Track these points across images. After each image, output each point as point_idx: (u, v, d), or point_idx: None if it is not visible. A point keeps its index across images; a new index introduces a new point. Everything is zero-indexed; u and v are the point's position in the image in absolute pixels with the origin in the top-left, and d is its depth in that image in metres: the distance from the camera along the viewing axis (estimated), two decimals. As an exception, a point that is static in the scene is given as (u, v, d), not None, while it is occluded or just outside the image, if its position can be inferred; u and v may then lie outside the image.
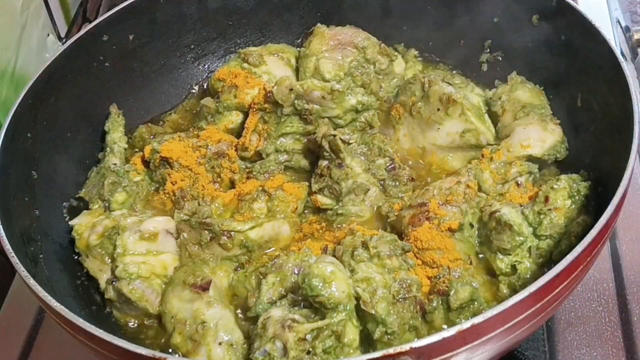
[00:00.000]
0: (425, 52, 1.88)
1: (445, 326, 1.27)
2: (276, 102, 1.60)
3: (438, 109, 1.58)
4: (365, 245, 1.32)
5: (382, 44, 1.77)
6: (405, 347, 0.97)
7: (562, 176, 1.41)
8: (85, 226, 1.48)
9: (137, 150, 1.74)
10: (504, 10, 1.69)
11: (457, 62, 1.84)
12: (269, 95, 1.61)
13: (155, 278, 1.41)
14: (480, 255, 1.42)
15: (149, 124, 1.83)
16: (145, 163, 1.65)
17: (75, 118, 1.65)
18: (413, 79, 1.66)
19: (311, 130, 1.61)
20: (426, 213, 1.41)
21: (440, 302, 1.28)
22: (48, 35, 2.17)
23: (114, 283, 1.40)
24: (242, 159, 1.66)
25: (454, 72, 1.83)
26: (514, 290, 1.34)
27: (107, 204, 1.55)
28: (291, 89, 1.59)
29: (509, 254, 1.37)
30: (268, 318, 1.21)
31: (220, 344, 1.26)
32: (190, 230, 1.46)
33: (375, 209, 1.52)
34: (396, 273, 1.28)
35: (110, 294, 1.41)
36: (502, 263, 1.37)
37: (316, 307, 1.18)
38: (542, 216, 1.37)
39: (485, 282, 1.38)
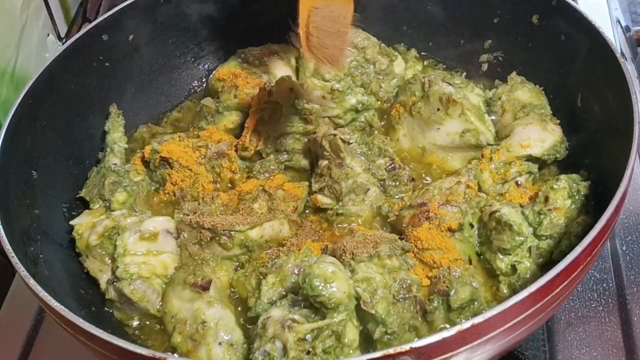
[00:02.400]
0: (425, 52, 1.88)
1: (446, 326, 1.27)
2: (276, 101, 1.60)
3: (438, 109, 1.58)
4: (365, 245, 1.32)
5: (382, 44, 1.77)
6: (405, 347, 0.97)
7: (562, 176, 1.41)
8: (86, 226, 1.48)
9: (137, 146, 1.74)
10: (504, 10, 1.69)
11: (457, 62, 1.84)
12: (269, 95, 1.61)
13: (155, 278, 1.41)
14: (480, 255, 1.42)
15: (149, 124, 1.83)
16: (146, 163, 1.65)
17: (75, 118, 1.65)
18: (413, 79, 1.66)
19: (311, 130, 1.61)
20: (426, 213, 1.41)
21: (440, 302, 1.28)
22: (48, 35, 2.16)
23: (114, 283, 1.40)
24: (242, 158, 1.66)
25: (454, 72, 1.83)
26: (514, 290, 1.34)
27: (107, 204, 1.55)
28: (291, 89, 1.59)
29: (509, 254, 1.37)
30: (268, 318, 1.21)
31: (220, 343, 1.26)
32: (191, 230, 1.46)
33: (375, 209, 1.52)
34: (396, 273, 1.28)
35: (111, 294, 1.41)
36: (502, 263, 1.37)
37: (316, 307, 1.18)
38: (542, 216, 1.37)
39: (485, 282, 1.38)
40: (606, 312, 1.50)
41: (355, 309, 1.20)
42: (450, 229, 1.40)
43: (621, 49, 2.06)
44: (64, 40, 2.23)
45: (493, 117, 1.63)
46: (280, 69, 1.80)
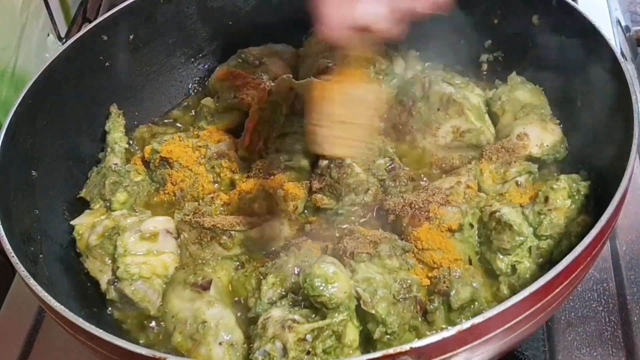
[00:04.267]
0: (425, 52, 1.88)
1: (446, 324, 1.27)
2: (276, 101, 1.60)
3: (438, 109, 1.58)
4: (365, 246, 1.32)
5: (382, 44, 1.77)
6: (405, 347, 0.97)
7: (562, 176, 1.41)
8: (86, 226, 1.48)
9: (137, 147, 1.74)
10: (504, 10, 1.69)
11: (457, 62, 1.84)
12: (269, 95, 1.61)
13: (156, 278, 1.41)
14: (480, 256, 1.42)
15: (149, 124, 1.83)
16: (146, 163, 1.65)
17: (75, 118, 1.65)
18: (413, 79, 1.66)
19: (311, 130, 1.61)
20: (426, 213, 1.41)
21: (441, 302, 1.28)
22: (48, 35, 2.16)
23: (115, 284, 1.40)
24: (242, 158, 1.66)
25: (454, 72, 1.83)
26: (513, 291, 1.34)
27: (108, 204, 1.55)
28: (291, 89, 1.59)
29: (509, 254, 1.37)
30: (268, 318, 1.21)
31: (220, 343, 1.26)
32: (190, 230, 1.46)
33: (375, 209, 1.52)
34: (396, 273, 1.28)
35: (112, 294, 1.41)
36: (502, 263, 1.37)
37: (317, 307, 1.18)
38: (542, 216, 1.37)
39: (485, 282, 1.38)
40: (606, 312, 1.50)
41: (355, 309, 1.20)
42: (450, 229, 1.40)
43: (621, 49, 2.06)
44: (64, 40, 2.23)
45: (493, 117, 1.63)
46: (280, 69, 1.80)
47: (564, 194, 1.37)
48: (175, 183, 1.59)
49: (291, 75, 1.76)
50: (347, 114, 1.16)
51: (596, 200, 1.37)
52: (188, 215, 1.47)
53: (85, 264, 1.47)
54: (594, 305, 1.52)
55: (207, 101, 1.78)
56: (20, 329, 1.63)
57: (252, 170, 1.61)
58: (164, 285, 1.42)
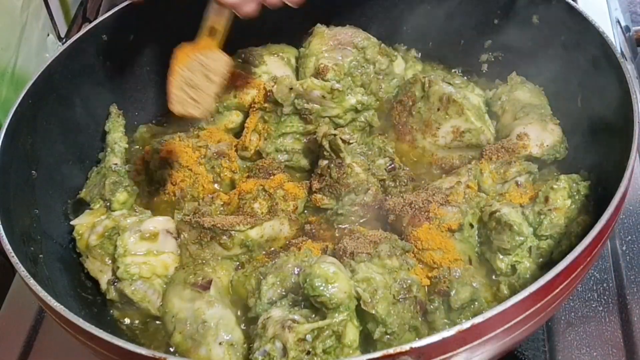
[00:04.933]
0: (425, 52, 1.88)
1: (446, 324, 1.27)
2: (276, 101, 1.60)
3: (438, 109, 1.58)
4: (365, 245, 1.32)
5: (382, 44, 1.77)
6: (405, 347, 0.97)
7: (562, 176, 1.41)
8: (86, 226, 1.48)
9: (137, 146, 1.74)
10: (504, 10, 1.69)
11: (457, 62, 1.84)
12: (269, 94, 1.62)
13: (156, 278, 1.41)
14: (480, 256, 1.42)
15: (149, 124, 1.83)
16: (146, 163, 1.65)
17: (75, 118, 1.65)
18: (413, 79, 1.66)
19: (311, 130, 1.61)
20: (426, 213, 1.41)
21: (440, 302, 1.28)
22: (48, 35, 2.16)
23: (115, 284, 1.40)
24: (242, 159, 1.66)
25: (454, 72, 1.83)
26: (513, 291, 1.34)
27: (108, 204, 1.55)
28: (291, 88, 1.59)
29: (509, 254, 1.37)
30: (268, 318, 1.21)
31: (220, 343, 1.26)
32: (190, 230, 1.46)
33: (375, 209, 1.52)
34: (396, 273, 1.28)
35: (112, 294, 1.41)
36: (502, 263, 1.37)
37: (317, 307, 1.18)
38: (542, 216, 1.37)
39: (485, 282, 1.38)
40: (606, 312, 1.50)
41: (355, 309, 1.20)
42: (450, 229, 1.40)
43: (621, 49, 2.06)
44: (64, 40, 2.23)
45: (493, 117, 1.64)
46: (280, 69, 1.80)
47: (564, 194, 1.38)
48: (175, 183, 1.59)
49: (291, 75, 1.76)
50: (198, 79, 1.36)
51: (596, 200, 1.37)
52: (188, 215, 1.48)
53: (85, 264, 1.47)
54: (594, 305, 1.52)
55: (207, 101, 1.78)
56: (20, 329, 1.63)
57: (252, 170, 1.62)
58: (164, 285, 1.42)
